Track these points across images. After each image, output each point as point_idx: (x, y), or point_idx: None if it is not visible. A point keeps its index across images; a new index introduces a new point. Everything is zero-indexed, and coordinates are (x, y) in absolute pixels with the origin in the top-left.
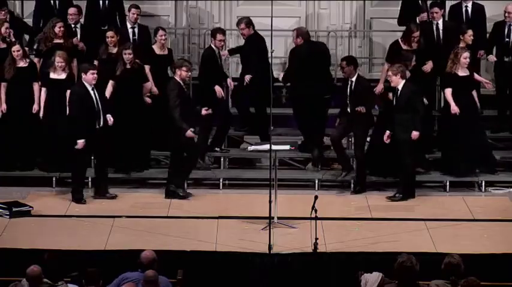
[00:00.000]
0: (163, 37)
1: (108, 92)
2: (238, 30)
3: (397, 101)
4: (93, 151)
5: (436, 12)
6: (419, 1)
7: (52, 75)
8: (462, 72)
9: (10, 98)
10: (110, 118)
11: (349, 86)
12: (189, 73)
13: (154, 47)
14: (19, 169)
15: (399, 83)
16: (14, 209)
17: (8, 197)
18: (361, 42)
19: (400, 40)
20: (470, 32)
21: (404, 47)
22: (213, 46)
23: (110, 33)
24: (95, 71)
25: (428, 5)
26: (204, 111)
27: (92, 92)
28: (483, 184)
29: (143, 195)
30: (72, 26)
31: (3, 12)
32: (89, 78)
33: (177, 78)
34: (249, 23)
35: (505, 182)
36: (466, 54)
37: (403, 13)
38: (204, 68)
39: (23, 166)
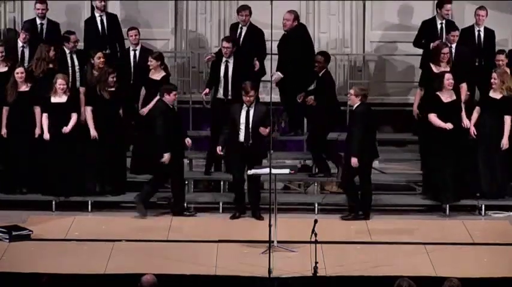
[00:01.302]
0: (152, 62)
1: (88, 118)
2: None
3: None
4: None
5: (456, 36)
6: (438, 25)
7: (53, 100)
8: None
9: (11, 122)
10: (188, 141)
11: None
12: (175, 97)
13: (151, 73)
14: (22, 193)
15: (355, 104)
16: (13, 233)
17: (7, 221)
18: (361, 66)
19: (430, 64)
20: (501, 56)
21: (435, 69)
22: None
23: (99, 54)
24: (176, 92)
25: (444, 29)
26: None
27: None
28: (483, 207)
29: (142, 219)
30: (68, 52)
31: None
32: (171, 98)
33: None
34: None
35: (506, 206)
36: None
37: (421, 35)
38: None
39: (27, 190)
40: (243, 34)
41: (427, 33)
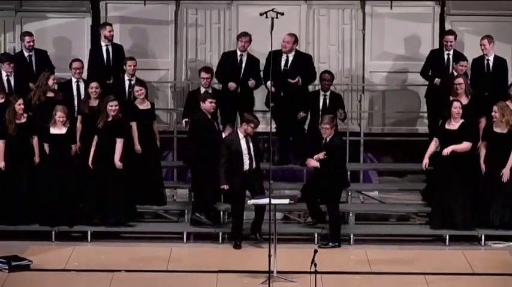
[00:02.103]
0: (140, 91)
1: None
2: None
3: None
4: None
5: (465, 66)
6: (445, 55)
7: (52, 131)
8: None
9: (9, 153)
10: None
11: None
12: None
13: (137, 102)
14: (22, 223)
15: (330, 135)
16: (13, 263)
17: (7, 251)
18: (361, 96)
19: (451, 98)
20: None
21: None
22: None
23: (94, 84)
24: (214, 100)
25: (452, 60)
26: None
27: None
28: (483, 237)
29: (142, 248)
30: (74, 81)
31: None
32: (208, 106)
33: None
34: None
35: (505, 236)
36: None
37: (428, 64)
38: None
39: (26, 221)
40: (244, 61)
41: (434, 63)
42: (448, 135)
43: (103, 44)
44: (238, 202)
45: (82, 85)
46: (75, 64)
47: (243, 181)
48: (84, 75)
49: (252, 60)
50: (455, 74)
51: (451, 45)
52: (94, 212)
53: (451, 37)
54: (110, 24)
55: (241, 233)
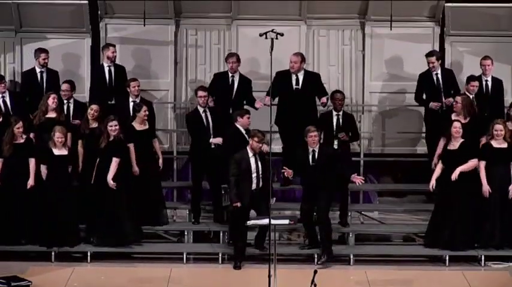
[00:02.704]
0: (145, 113)
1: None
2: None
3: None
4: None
5: (476, 86)
6: (433, 76)
7: (55, 152)
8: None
9: (7, 174)
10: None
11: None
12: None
13: (134, 123)
14: (21, 244)
15: (316, 146)
16: (13, 284)
17: (7, 272)
18: (361, 117)
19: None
20: None
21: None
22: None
23: (94, 107)
24: (250, 115)
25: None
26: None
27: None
28: (483, 258)
29: (142, 269)
30: (65, 102)
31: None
32: (245, 122)
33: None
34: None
35: (505, 257)
36: None
37: (420, 88)
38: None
39: (26, 241)
40: (236, 82)
41: (425, 86)
42: (449, 156)
43: (105, 64)
44: (242, 220)
45: (72, 107)
46: (63, 86)
47: (250, 200)
48: (84, 95)
49: (244, 81)
50: (467, 94)
51: (433, 66)
52: (94, 232)
53: (432, 58)
54: (113, 45)
55: (244, 254)
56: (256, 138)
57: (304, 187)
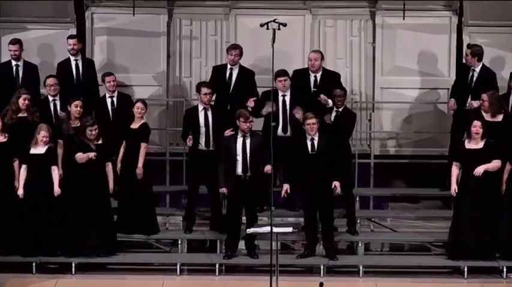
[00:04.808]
0: (139, 109)
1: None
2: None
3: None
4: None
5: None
6: (470, 72)
7: (32, 151)
8: None
9: None
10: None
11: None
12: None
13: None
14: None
15: (316, 134)
16: None
17: None
18: (371, 115)
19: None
20: None
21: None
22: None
23: (78, 102)
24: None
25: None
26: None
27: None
28: (504, 269)
29: (131, 281)
30: (51, 99)
31: None
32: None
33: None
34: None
35: None
36: None
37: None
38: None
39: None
40: (234, 76)
41: (459, 80)
42: (471, 155)
43: (72, 58)
44: (232, 211)
45: (58, 104)
46: (50, 81)
47: (238, 188)
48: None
49: (245, 74)
50: None
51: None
52: (78, 241)
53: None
54: (75, 37)
55: (234, 245)
56: (242, 119)
57: (303, 190)
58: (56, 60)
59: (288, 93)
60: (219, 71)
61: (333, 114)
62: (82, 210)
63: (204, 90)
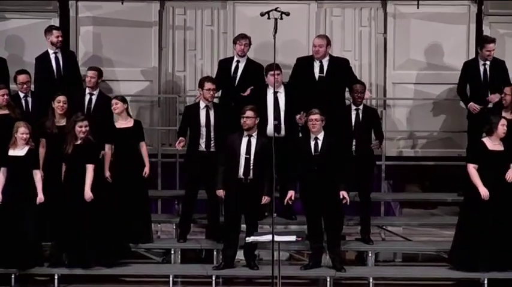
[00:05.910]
0: (118, 105)
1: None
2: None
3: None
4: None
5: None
6: (480, 67)
7: (11, 152)
8: None
9: None
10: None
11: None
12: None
13: (115, 119)
14: None
15: (319, 133)
16: None
17: None
18: (382, 113)
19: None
20: None
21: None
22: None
23: (61, 98)
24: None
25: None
26: None
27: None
28: None
29: None
30: (22, 95)
31: None
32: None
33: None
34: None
35: None
36: None
37: (464, 79)
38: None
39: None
40: (240, 69)
41: (470, 78)
42: (495, 157)
43: (51, 51)
44: (231, 218)
45: (30, 101)
46: (21, 77)
47: (238, 192)
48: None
49: (253, 68)
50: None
51: (489, 55)
52: (62, 252)
53: (492, 45)
54: (58, 29)
55: (231, 254)
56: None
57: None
58: (26, 54)
59: (282, 90)
60: (225, 64)
61: (353, 113)
62: (76, 218)
63: (208, 85)
